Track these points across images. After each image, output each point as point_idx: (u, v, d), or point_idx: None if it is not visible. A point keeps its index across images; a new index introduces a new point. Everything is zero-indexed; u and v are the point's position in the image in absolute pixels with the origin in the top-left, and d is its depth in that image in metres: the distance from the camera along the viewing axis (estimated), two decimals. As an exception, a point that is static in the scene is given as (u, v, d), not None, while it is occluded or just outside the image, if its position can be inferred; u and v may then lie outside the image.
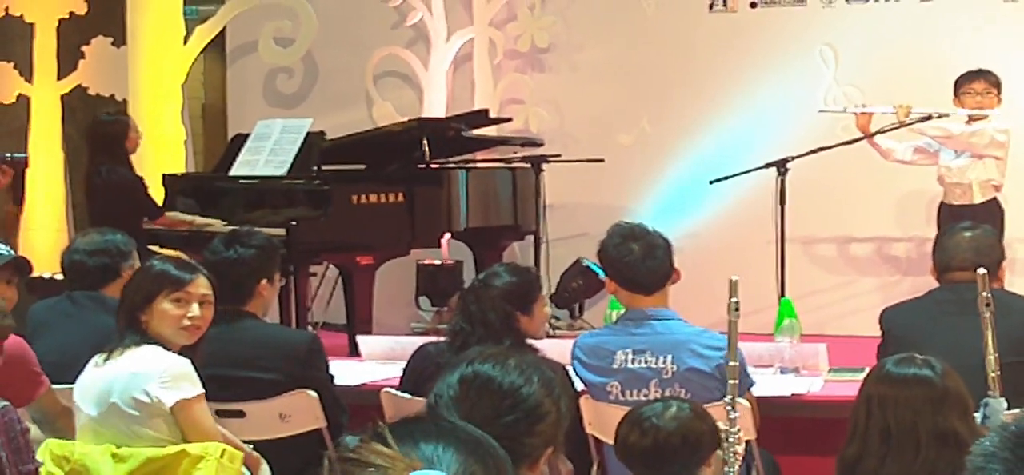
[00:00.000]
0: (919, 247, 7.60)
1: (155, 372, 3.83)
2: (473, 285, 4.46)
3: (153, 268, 4.05)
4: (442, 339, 4.46)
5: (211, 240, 4.79)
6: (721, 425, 3.45)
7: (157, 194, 7.51)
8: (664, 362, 4.26)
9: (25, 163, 6.97)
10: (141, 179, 7.44)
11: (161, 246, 7.07)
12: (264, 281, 4.58)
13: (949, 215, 6.82)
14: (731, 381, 3.59)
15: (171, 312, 3.94)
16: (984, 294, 3.58)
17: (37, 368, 4.12)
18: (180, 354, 3.93)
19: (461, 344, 4.22)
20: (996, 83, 6.84)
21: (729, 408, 3.55)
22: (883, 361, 3.28)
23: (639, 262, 4.30)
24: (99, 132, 7.45)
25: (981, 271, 3.65)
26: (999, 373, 3.55)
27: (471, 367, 2.41)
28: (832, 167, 7.37)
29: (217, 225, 6.89)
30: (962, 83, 6.86)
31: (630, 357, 4.30)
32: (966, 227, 4.63)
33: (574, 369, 4.44)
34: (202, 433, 3.85)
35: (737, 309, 3.60)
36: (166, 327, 3.93)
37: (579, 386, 4.48)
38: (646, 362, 4.28)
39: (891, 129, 6.92)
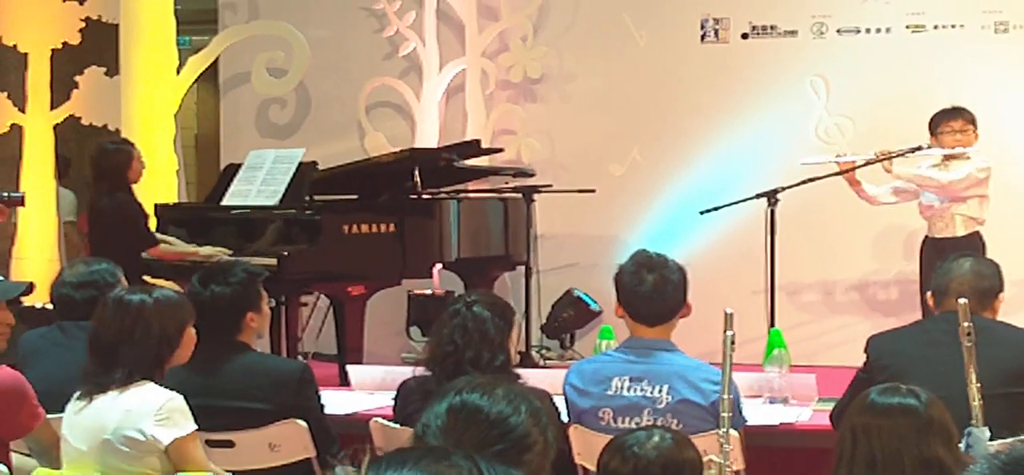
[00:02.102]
0: (903, 283, 7.63)
1: (150, 409, 3.79)
2: (457, 308, 4.31)
3: (173, 299, 4.08)
4: (423, 372, 4.32)
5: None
6: (714, 458, 3.45)
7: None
8: (660, 392, 4.22)
9: (21, 202, 6.95)
10: (143, 209, 7.41)
11: (153, 277, 7.07)
12: (249, 313, 4.57)
13: (933, 248, 6.82)
14: (724, 414, 3.59)
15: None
16: (965, 324, 3.59)
17: (34, 400, 4.09)
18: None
19: (455, 364, 4.14)
20: (972, 120, 6.83)
21: (722, 441, 3.55)
22: (868, 391, 3.28)
23: (648, 294, 4.27)
24: (102, 160, 7.38)
25: (962, 301, 3.65)
26: (982, 402, 3.56)
27: (459, 396, 2.39)
28: (816, 203, 7.40)
29: (218, 253, 6.88)
30: (940, 122, 6.84)
31: (627, 384, 4.26)
32: (968, 255, 4.63)
33: (566, 394, 4.40)
34: (196, 471, 3.84)
35: (733, 342, 3.60)
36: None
37: (565, 415, 4.44)
38: (642, 391, 4.24)
39: (875, 162, 6.91)
